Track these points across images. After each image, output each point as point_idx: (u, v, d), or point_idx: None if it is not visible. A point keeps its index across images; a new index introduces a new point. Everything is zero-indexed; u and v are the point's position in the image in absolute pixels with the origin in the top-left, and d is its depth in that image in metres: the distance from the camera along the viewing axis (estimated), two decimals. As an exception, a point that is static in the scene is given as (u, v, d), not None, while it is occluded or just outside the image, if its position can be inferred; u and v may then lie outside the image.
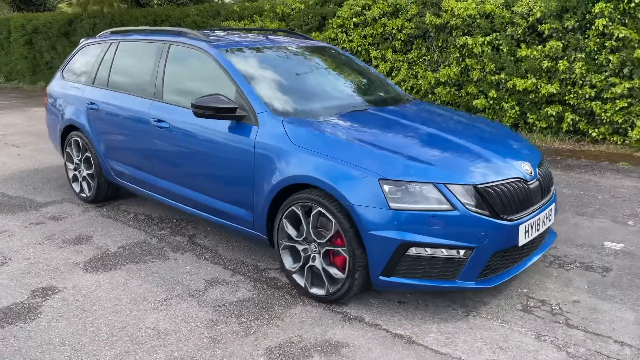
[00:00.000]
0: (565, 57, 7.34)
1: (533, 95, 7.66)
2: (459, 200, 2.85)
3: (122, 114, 4.40)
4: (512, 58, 7.76)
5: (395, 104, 4.11)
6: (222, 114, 3.45)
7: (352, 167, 2.98)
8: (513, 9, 7.66)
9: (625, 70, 6.96)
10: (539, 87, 7.56)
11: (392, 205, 2.84)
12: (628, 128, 7.15)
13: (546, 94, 7.51)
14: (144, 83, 4.30)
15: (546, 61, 7.45)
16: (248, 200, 3.51)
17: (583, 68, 7.18)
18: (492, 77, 7.96)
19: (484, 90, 8.11)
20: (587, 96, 7.26)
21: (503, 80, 7.86)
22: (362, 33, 9.35)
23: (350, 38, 9.47)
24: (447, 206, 2.84)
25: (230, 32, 5.14)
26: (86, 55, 5.14)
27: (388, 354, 2.73)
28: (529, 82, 7.57)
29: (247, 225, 3.61)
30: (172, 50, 4.16)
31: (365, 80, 4.50)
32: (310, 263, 3.23)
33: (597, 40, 7.07)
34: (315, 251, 3.20)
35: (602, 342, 2.81)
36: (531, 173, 3.21)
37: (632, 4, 6.67)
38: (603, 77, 7.11)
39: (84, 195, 5.03)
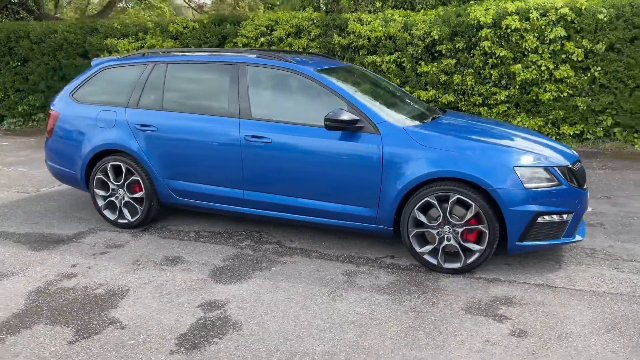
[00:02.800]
0: (457, 72, 9.01)
1: (433, 104, 9.19)
2: (564, 178, 3.90)
3: (196, 133, 4.53)
4: (414, 73, 9.19)
5: (445, 112, 5.04)
6: (350, 125, 4.00)
7: (488, 160, 3.84)
8: (412, 32, 9.10)
9: (503, 82, 8.86)
10: (438, 97, 9.12)
11: (526, 185, 3.77)
12: (506, 127, 9.08)
13: (445, 102, 9.10)
14: (220, 103, 4.52)
15: (442, 75, 9.03)
16: (373, 199, 4.10)
17: (472, 80, 8.91)
18: (398, 90, 9.31)
19: (391, 101, 9.41)
20: (476, 103, 9.03)
21: (408, 92, 9.25)
22: (269, 52, 9.97)
23: (258, 57, 10.03)
24: (556, 183, 3.87)
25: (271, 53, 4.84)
26: (113, 78, 5.02)
27: (548, 297, 3.65)
28: (430, 93, 9.09)
29: (368, 221, 4.19)
30: (251, 71, 4.48)
31: (404, 93, 5.33)
32: (445, 243, 3.97)
33: (482, 58, 8.86)
34: (449, 232, 3.95)
35: (655, 266, 4.10)
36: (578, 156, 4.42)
37: (509, 30, 8.56)
38: (487, 88, 8.93)
39: (125, 221, 4.92)
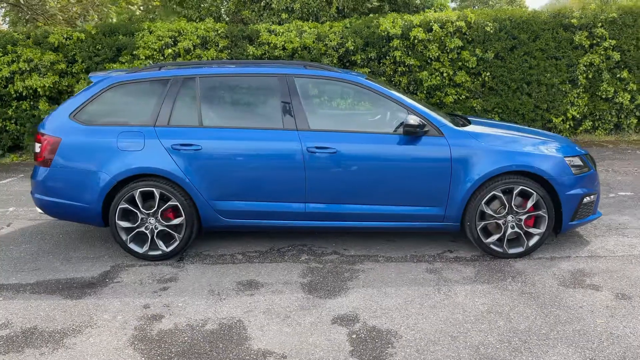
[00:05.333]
0: (370, 80, 9.61)
1: (349, 111, 9.66)
2: (590, 164, 4.60)
3: (250, 148, 4.31)
4: (329, 83, 9.56)
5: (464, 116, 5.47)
6: (420, 130, 4.22)
7: (544, 153, 4.37)
8: (326, 42, 9.47)
9: (412, 88, 9.70)
10: (354, 104, 9.62)
11: (574, 172, 4.38)
12: (413, 129, 9.95)
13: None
14: (270, 116, 4.38)
15: (356, 84, 9.56)
16: (442, 198, 4.36)
17: (384, 88, 9.58)
18: (315, 99, 9.61)
19: (309, 111, 9.66)
20: (388, 108, 9.72)
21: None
22: (176, 65, 9.51)
23: (166, 71, 9.51)
24: (588, 168, 4.55)
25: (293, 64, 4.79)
26: (128, 95, 4.48)
27: (608, 265, 4.28)
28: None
29: (436, 220, 4.43)
30: (301, 83, 4.41)
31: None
32: (510, 230, 4.40)
33: (392, 67, 9.59)
34: (512, 221, 4.39)
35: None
36: (578, 146, 5.19)
37: (415, 41, 9.40)
38: (397, 94, 9.68)
39: (157, 252, 4.43)
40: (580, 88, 9.87)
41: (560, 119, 9.95)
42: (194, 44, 9.48)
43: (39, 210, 4.68)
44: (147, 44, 9.39)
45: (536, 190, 4.29)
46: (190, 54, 9.50)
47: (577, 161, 4.47)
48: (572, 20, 9.64)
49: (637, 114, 10.17)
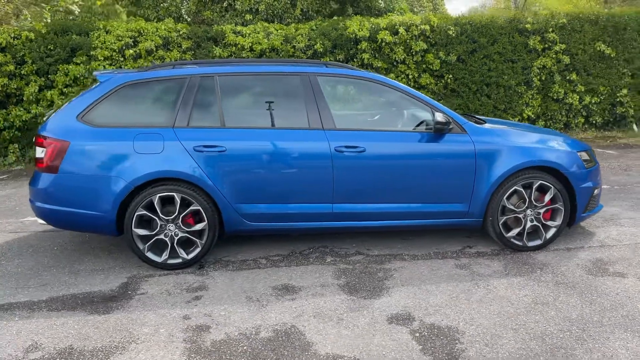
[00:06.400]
0: (338, 82, 9.63)
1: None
2: (595, 158, 4.83)
3: (277, 148, 4.17)
4: (298, 85, 9.49)
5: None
6: (447, 127, 4.27)
7: (560, 148, 4.53)
8: (294, 44, 9.40)
9: (377, 90, 9.80)
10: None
11: (586, 165, 4.58)
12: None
13: (329, 112, 9.63)
14: (294, 115, 4.27)
15: (324, 86, 9.56)
16: (466, 194, 4.41)
17: (351, 90, 9.64)
18: (284, 102, 9.51)
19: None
20: (355, 110, 9.78)
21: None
22: (136, 65, 9.13)
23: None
24: (594, 162, 4.77)
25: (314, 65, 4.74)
26: (142, 95, 4.20)
27: (622, 253, 4.48)
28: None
29: (459, 217, 4.48)
30: (324, 81, 4.32)
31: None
32: (529, 224, 4.52)
33: (360, 69, 9.64)
34: (531, 215, 4.52)
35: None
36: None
37: (383, 44, 9.53)
38: (364, 96, 9.77)
39: (178, 260, 4.18)
40: (534, 89, 10.35)
41: (517, 119, 10.37)
42: (156, 44, 9.11)
43: (40, 221, 4.30)
44: (106, 45, 8.92)
45: (554, 184, 4.43)
46: (153, 55, 9.12)
47: (585, 155, 4.66)
48: (526, 26, 10.10)
49: (584, 113, 10.78)
